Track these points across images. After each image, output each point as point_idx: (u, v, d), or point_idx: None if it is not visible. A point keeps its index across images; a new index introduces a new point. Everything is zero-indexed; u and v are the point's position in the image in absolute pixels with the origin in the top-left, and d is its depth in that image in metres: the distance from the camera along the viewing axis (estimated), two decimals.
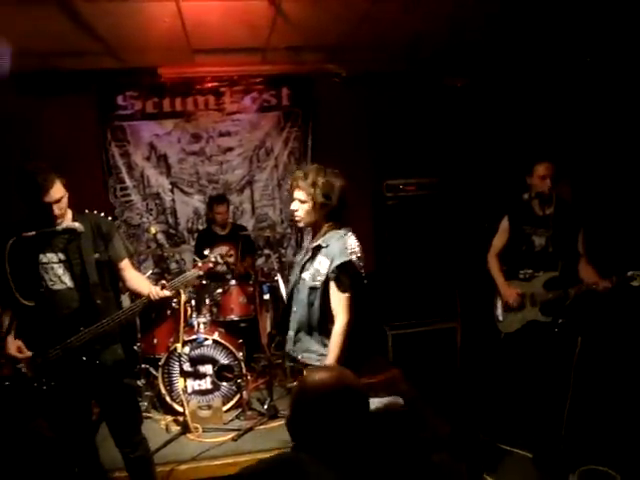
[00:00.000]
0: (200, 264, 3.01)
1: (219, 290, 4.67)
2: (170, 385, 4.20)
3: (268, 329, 5.01)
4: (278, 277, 4.65)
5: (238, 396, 4.24)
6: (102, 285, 2.83)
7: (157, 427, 4.02)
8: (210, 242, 5.04)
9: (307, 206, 2.78)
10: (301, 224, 2.88)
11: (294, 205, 2.84)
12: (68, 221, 2.77)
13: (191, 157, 5.61)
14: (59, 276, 2.76)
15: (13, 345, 2.72)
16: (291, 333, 2.96)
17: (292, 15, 3.92)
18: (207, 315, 4.41)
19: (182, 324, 4.08)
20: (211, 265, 2.97)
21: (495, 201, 5.24)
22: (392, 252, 5.51)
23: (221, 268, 4.92)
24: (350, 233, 2.84)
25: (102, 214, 2.93)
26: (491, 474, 3.53)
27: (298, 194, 2.81)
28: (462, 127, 5.59)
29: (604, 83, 4.35)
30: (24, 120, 5.05)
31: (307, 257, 2.87)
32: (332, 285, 2.74)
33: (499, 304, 3.71)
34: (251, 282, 4.78)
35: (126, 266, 2.95)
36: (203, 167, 5.64)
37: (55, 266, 2.75)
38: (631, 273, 2.98)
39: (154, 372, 4.35)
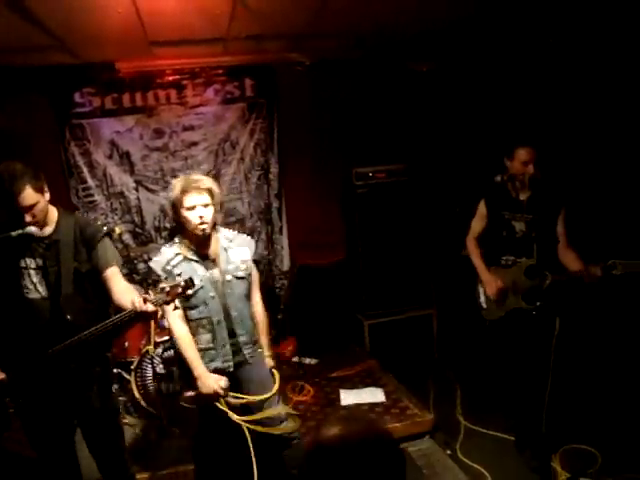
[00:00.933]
0: (168, 289, 2.52)
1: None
2: (144, 388, 4.09)
3: None
4: None
5: None
6: (82, 296, 2.64)
7: (132, 432, 3.92)
8: None
9: (212, 210, 2.83)
10: (207, 232, 2.83)
11: (202, 212, 2.78)
12: (50, 224, 2.62)
13: (155, 153, 5.44)
14: (35, 284, 2.58)
15: None
16: (244, 338, 2.93)
17: (252, 3, 3.79)
18: None
19: (153, 326, 3.96)
20: (180, 291, 2.53)
21: (466, 185, 5.26)
22: (364, 240, 5.47)
23: None
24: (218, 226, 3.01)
25: (110, 218, 2.77)
26: (474, 459, 3.54)
27: (203, 198, 2.80)
28: (429, 112, 5.56)
29: (572, 62, 4.34)
30: None
31: (220, 262, 2.89)
32: (254, 269, 3.06)
33: (481, 291, 3.61)
34: None
35: (111, 276, 2.67)
36: (167, 163, 5.48)
37: (32, 272, 2.58)
38: (612, 262, 2.89)
39: (127, 376, 4.23)
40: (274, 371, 3.05)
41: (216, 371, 2.86)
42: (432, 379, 4.75)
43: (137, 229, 5.49)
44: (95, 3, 3.53)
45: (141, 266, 5.29)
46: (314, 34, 4.62)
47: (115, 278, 2.68)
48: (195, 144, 5.53)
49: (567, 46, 4.39)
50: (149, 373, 4.05)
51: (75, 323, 2.55)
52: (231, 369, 2.90)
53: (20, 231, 2.47)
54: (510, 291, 3.39)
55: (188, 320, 2.87)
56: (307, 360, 5.16)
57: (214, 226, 2.90)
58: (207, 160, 5.58)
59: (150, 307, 2.45)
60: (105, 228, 2.82)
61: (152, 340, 3.92)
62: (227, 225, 5.47)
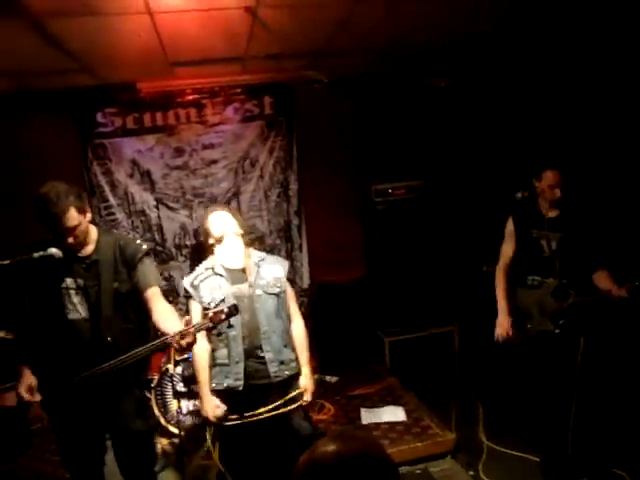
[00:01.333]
0: (211, 314, 2.52)
1: None
2: (164, 407, 4.11)
3: None
4: None
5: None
6: (122, 317, 2.64)
7: None
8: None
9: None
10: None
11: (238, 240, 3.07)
12: (91, 243, 2.64)
13: (175, 172, 5.49)
14: (75, 304, 2.59)
15: (24, 384, 2.55)
16: (270, 355, 2.91)
17: (269, 22, 3.83)
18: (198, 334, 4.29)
19: None
20: (223, 317, 2.50)
21: (486, 201, 5.22)
22: (384, 257, 5.45)
23: None
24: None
25: (131, 236, 2.79)
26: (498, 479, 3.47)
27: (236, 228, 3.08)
28: (448, 128, 5.54)
29: (595, 80, 4.29)
30: (4, 142, 4.96)
31: (250, 276, 2.97)
32: (288, 287, 3.08)
33: None
34: None
35: (152, 296, 2.64)
36: (188, 181, 5.52)
37: (72, 292, 2.58)
38: (638, 283, 2.84)
39: (147, 394, 4.23)
40: (305, 386, 2.97)
41: (228, 390, 2.86)
42: (454, 397, 4.66)
43: (158, 247, 5.53)
44: (115, 26, 3.59)
45: (162, 283, 5.30)
46: (332, 52, 4.64)
47: (155, 298, 2.65)
48: (215, 162, 5.56)
49: (590, 62, 4.35)
50: (169, 391, 4.05)
51: (115, 344, 2.55)
52: (240, 388, 2.88)
53: (42, 252, 2.48)
54: (537, 312, 3.31)
55: (211, 334, 2.90)
56: (328, 378, 5.13)
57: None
58: (227, 178, 5.61)
59: (189, 340, 2.36)
60: (145, 247, 2.78)
61: (172, 359, 3.94)
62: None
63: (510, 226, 3.51)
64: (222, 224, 3.06)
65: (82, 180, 5.30)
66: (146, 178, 5.43)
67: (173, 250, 5.56)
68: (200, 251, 5.01)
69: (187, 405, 4.09)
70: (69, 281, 2.58)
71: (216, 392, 2.91)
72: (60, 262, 2.51)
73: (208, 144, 5.52)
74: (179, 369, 4.05)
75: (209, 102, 5.44)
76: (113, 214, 5.38)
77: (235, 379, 2.88)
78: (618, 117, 4.13)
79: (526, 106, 4.98)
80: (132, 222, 5.43)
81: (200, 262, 3.13)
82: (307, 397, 2.96)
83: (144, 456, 2.87)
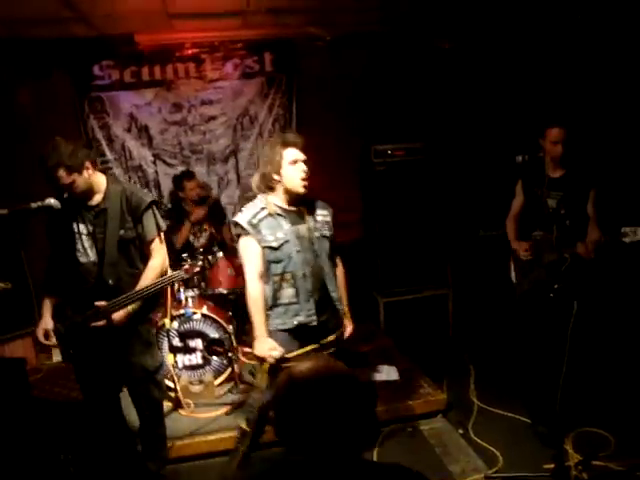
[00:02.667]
0: (187, 266, 2.95)
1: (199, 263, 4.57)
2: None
3: None
4: None
5: (229, 370, 4.21)
6: (127, 263, 2.82)
7: None
8: (183, 217, 4.94)
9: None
10: (305, 189, 2.86)
11: (305, 168, 2.84)
12: (99, 192, 2.79)
13: (173, 127, 5.43)
14: (86, 248, 2.78)
15: (41, 328, 2.83)
16: (334, 294, 2.98)
17: None
18: (195, 289, 4.32)
19: (169, 299, 3.99)
20: (197, 269, 2.94)
21: (485, 164, 5.19)
22: (381, 219, 5.43)
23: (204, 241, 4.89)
24: None
25: (139, 186, 2.93)
26: (486, 439, 3.54)
27: (303, 157, 2.86)
28: (450, 90, 5.46)
29: (600, 41, 4.23)
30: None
31: (308, 219, 2.89)
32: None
33: (512, 267, 3.73)
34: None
35: (152, 250, 2.90)
36: (186, 137, 5.46)
37: (84, 237, 2.78)
38: (624, 229, 2.91)
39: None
40: (347, 324, 3.10)
41: (300, 326, 2.86)
42: (446, 359, 4.74)
43: None
44: None
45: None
46: (333, 8, 4.55)
47: (154, 250, 2.90)
48: (213, 118, 5.50)
49: (594, 23, 4.27)
50: (165, 346, 4.09)
51: (117, 287, 2.75)
52: (314, 323, 2.87)
53: (40, 203, 2.59)
54: (535, 264, 3.48)
55: (272, 275, 2.85)
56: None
57: None
58: (225, 135, 5.56)
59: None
60: (149, 198, 2.92)
61: (169, 314, 3.96)
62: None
63: (519, 186, 3.69)
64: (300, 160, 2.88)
65: (78, 134, 5.24)
66: (144, 133, 5.38)
67: (170, 206, 5.52)
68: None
69: (183, 360, 4.14)
70: (81, 227, 2.78)
71: (281, 331, 2.88)
72: (73, 209, 2.74)
73: (207, 100, 5.44)
74: (175, 324, 4.07)
75: (208, 57, 5.34)
76: (110, 169, 5.33)
77: (307, 315, 2.86)
78: (620, 81, 4.09)
79: (527, 69, 4.91)
80: (129, 177, 5.38)
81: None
82: (349, 332, 3.09)
83: (152, 390, 3.03)
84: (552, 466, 3.00)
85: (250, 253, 2.84)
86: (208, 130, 5.51)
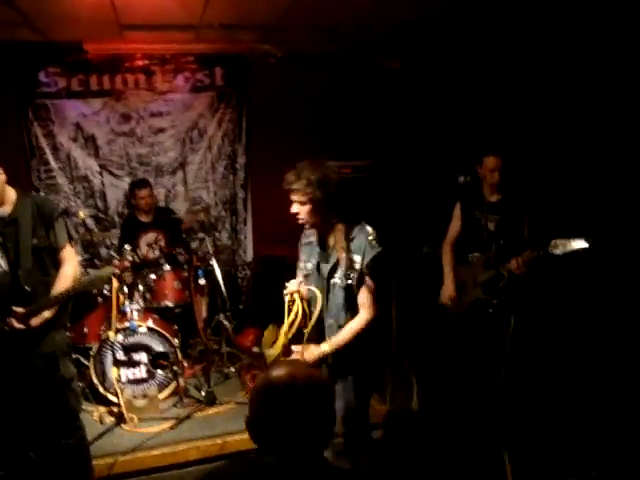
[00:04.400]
0: (117, 262, 3.00)
1: (152, 276, 4.53)
2: (103, 375, 4.06)
3: (204, 314, 4.93)
4: (213, 261, 4.56)
5: (174, 384, 4.16)
6: (40, 270, 2.81)
7: (90, 418, 3.89)
8: (135, 231, 4.89)
9: (308, 207, 2.68)
10: (308, 226, 2.81)
11: (294, 208, 2.72)
12: (9, 203, 2.76)
13: (121, 138, 5.38)
14: None
15: None
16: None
17: None
18: (140, 302, 4.26)
19: (115, 311, 3.93)
20: (127, 264, 2.99)
21: (430, 183, 5.36)
22: None
23: (153, 255, 4.81)
24: (363, 222, 2.84)
25: (47, 196, 2.91)
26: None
27: (295, 197, 2.72)
28: (399, 110, 5.63)
29: (546, 65, 4.47)
30: None
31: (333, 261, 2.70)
32: (366, 279, 2.66)
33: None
34: (185, 267, 4.68)
35: (65, 256, 2.89)
36: (134, 148, 5.42)
37: None
38: (553, 242, 3.03)
39: (85, 362, 4.18)
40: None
41: None
42: (390, 371, 4.82)
43: (100, 214, 5.42)
44: None
45: (103, 251, 5.22)
46: (287, 26, 4.63)
47: (65, 258, 2.89)
48: (162, 131, 5.49)
49: (534, 48, 4.52)
50: (109, 360, 4.01)
51: (33, 294, 2.75)
52: None
53: None
54: (471, 283, 3.62)
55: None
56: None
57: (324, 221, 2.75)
58: (174, 147, 5.55)
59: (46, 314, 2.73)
60: (61, 207, 3.03)
61: (113, 326, 3.89)
62: (192, 213, 5.51)
63: (457, 209, 3.85)
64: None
65: (21, 141, 5.11)
66: (90, 143, 5.30)
67: (116, 218, 5.46)
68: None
69: (126, 373, 4.06)
70: None
71: None
72: None
73: (156, 112, 5.43)
74: (120, 337, 4.00)
75: (159, 69, 5.34)
76: (53, 177, 5.22)
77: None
78: (559, 104, 4.33)
79: (472, 92, 5.12)
80: (74, 187, 5.29)
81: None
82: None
83: (69, 403, 2.95)
84: None
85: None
86: (157, 142, 5.48)
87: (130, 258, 3.03)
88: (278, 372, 1.51)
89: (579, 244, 2.97)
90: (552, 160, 4.40)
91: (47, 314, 2.77)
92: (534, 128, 4.56)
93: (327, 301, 2.72)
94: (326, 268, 2.72)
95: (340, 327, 2.67)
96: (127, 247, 3.12)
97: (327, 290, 2.71)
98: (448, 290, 3.79)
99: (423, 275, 5.41)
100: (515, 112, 4.71)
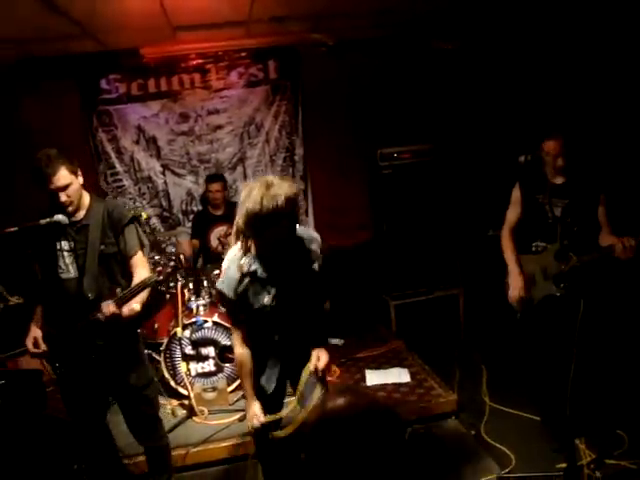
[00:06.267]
0: (160, 268, 2.97)
1: (216, 271, 4.61)
2: (173, 369, 4.20)
3: None
4: None
5: None
6: (108, 278, 2.81)
7: (163, 412, 3.98)
8: (206, 224, 5.03)
9: None
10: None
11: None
12: (83, 209, 2.80)
13: (181, 137, 5.50)
14: (67, 265, 2.78)
15: (30, 337, 2.81)
16: None
17: None
18: (205, 297, 4.38)
19: (180, 308, 4.06)
20: (169, 270, 2.89)
21: (492, 165, 5.19)
22: (390, 221, 5.45)
23: (222, 249, 4.92)
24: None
25: (120, 202, 2.93)
26: (498, 439, 3.54)
27: None
28: (455, 92, 5.47)
29: (606, 43, 4.21)
30: (5, 111, 4.99)
31: None
32: None
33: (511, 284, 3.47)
34: None
35: (134, 262, 2.85)
36: (193, 147, 5.54)
37: (66, 254, 2.78)
38: None
39: (157, 357, 4.34)
40: None
41: None
42: (458, 360, 4.74)
43: (165, 213, 5.59)
44: None
45: (169, 249, 5.37)
46: (336, 14, 4.57)
47: (137, 264, 2.86)
48: (220, 127, 5.57)
49: (593, 27, 4.26)
50: (178, 355, 4.14)
51: (97, 302, 2.72)
52: None
53: (48, 219, 2.67)
54: (541, 277, 3.33)
55: None
56: (334, 341, 5.19)
57: None
58: (232, 143, 5.62)
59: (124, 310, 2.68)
60: (132, 213, 2.96)
61: (180, 322, 4.02)
62: None
63: (517, 192, 3.45)
64: None
65: (88, 147, 5.33)
66: (152, 144, 5.46)
67: (180, 216, 5.61)
68: None
69: (196, 368, 4.18)
70: (63, 243, 2.78)
71: None
72: (57, 227, 2.73)
73: (213, 109, 5.51)
74: (187, 332, 4.12)
75: (213, 67, 5.41)
76: (120, 180, 5.43)
77: None
78: (623, 84, 4.07)
79: (532, 69, 4.90)
80: (139, 189, 5.48)
81: None
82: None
83: (142, 409, 3.01)
84: (564, 465, 2.99)
85: None
86: (215, 139, 5.57)
87: (172, 264, 3.00)
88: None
89: None
90: (620, 139, 4.13)
91: (137, 307, 2.75)
92: (598, 104, 4.30)
93: None
94: None
95: None
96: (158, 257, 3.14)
97: None
98: (517, 288, 3.37)
99: (489, 258, 5.27)
100: (577, 88, 4.46)
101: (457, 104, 5.48)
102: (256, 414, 2.58)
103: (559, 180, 3.27)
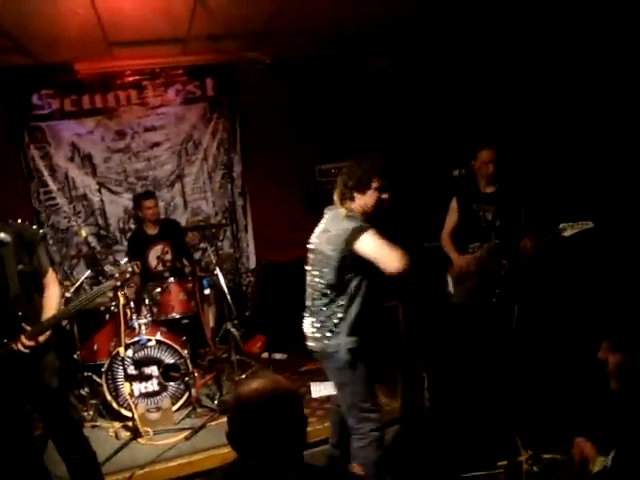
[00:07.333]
0: (117, 274, 3.06)
1: (158, 289, 4.55)
2: (115, 391, 4.09)
3: (211, 324, 4.96)
4: (217, 270, 4.59)
5: (187, 394, 4.18)
6: (26, 296, 2.83)
7: (106, 435, 3.93)
8: (143, 245, 4.93)
9: None
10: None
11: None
12: None
13: (117, 155, 5.42)
14: None
15: None
16: None
17: (212, 3, 3.84)
18: (148, 315, 4.30)
19: (123, 327, 3.96)
20: (128, 276, 3.03)
21: (425, 179, 5.39)
22: None
23: (162, 267, 4.86)
24: None
25: (26, 223, 2.93)
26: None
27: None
28: (390, 108, 5.66)
29: (534, 55, 4.51)
30: None
31: None
32: None
33: (450, 279, 3.93)
34: (190, 278, 4.70)
35: (48, 281, 2.94)
36: (130, 164, 5.46)
37: None
38: (562, 225, 3.24)
39: (97, 379, 4.22)
40: None
41: None
42: (400, 368, 4.84)
43: (102, 231, 5.47)
44: (53, 3, 3.51)
45: (108, 269, 5.25)
46: (272, 33, 4.67)
47: (50, 283, 2.95)
48: (158, 145, 5.53)
49: (525, 38, 4.55)
50: (120, 375, 4.04)
51: (25, 318, 2.76)
52: None
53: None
54: (474, 273, 3.69)
55: None
56: (277, 355, 5.21)
57: None
58: (170, 160, 5.59)
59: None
60: (41, 231, 3.06)
61: (122, 342, 3.92)
62: (193, 224, 5.55)
63: (454, 203, 3.92)
64: None
65: (18, 164, 5.15)
66: (87, 162, 5.34)
67: (117, 234, 5.50)
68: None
69: (139, 388, 4.09)
70: None
71: None
72: None
73: (150, 126, 5.47)
74: (130, 352, 4.03)
75: (150, 84, 5.39)
76: (54, 199, 5.28)
77: None
78: (550, 96, 4.37)
79: (463, 86, 5.15)
80: (74, 207, 5.34)
81: None
82: None
83: (67, 413, 2.98)
84: (505, 462, 3.14)
85: None
86: (153, 156, 5.52)
87: (130, 269, 3.07)
88: (246, 388, 1.65)
89: (586, 225, 3.13)
90: (543, 149, 4.43)
91: (48, 332, 2.82)
92: (524, 120, 4.60)
93: None
94: None
95: None
96: (124, 260, 3.18)
97: None
98: (458, 262, 3.79)
99: (426, 270, 5.44)
100: (504, 104, 4.74)
101: (391, 120, 5.67)
102: None
103: (490, 189, 3.73)
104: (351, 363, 2.85)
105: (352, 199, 2.78)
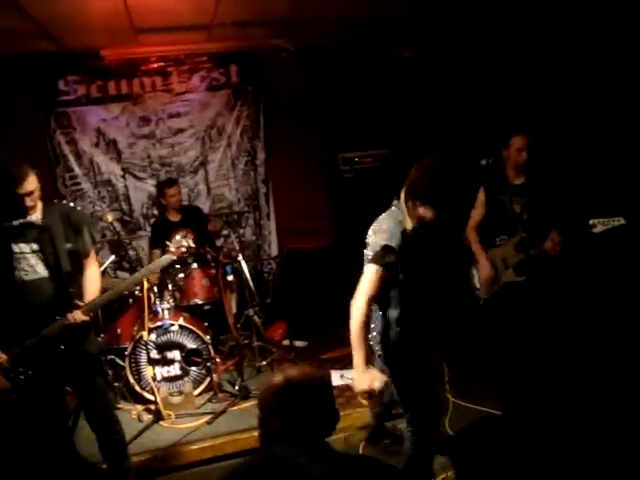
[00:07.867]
0: (173, 249, 3.12)
1: (181, 275, 4.59)
2: (138, 374, 4.15)
3: (234, 310, 4.99)
4: (240, 257, 4.61)
5: (208, 379, 4.23)
6: (75, 273, 2.91)
7: (129, 417, 3.98)
8: (166, 232, 4.93)
9: None
10: None
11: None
12: (39, 212, 2.81)
13: (141, 141, 5.45)
14: (32, 266, 2.79)
15: None
16: None
17: None
18: (171, 301, 4.34)
19: (147, 311, 4.01)
20: (184, 249, 3.11)
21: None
22: (351, 225, 5.52)
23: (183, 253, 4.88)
24: None
25: (71, 204, 3.01)
26: (460, 433, 3.64)
27: None
28: (416, 97, 5.60)
29: (559, 45, 4.42)
30: None
31: None
32: None
33: (475, 273, 3.87)
34: (213, 264, 4.73)
35: (90, 261, 3.02)
36: (154, 150, 5.49)
37: (28, 256, 2.78)
38: (592, 221, 3.16)
39: (120, 362, 4.29)
40: None
41: None
42: None
43: (125, 217, 5.52)
44: None
45: (131, 253, 5.30)
46: (298, 20, 4.64)
47: (91, 264, 3.03)
48: (182, 131, 5.54)
49: (554, 30, 4.46)
50: (143, 359, 4.09)
51: (76, 296, 2.86)
52: None
53: (22, 220, 2.69)
54: (501, 266, 3.64)
55: None
56: (297, 343, 5.24)
57: None
58: (194, 147, 5.61)
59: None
60: (86, 214, 3.04)
61: (146, 326, 3.97)
62: (216, 211, 5.58)
63: (482, 195, 3.83)
64: None
65: (45, 149, 5.21)
66: (112, 147, 5.39)
67: (141, 220, 5.55)
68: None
69: (161, 372, 4.14)
70: (22, 246, 2.78)
71: None
72: (10, 230, 2.74)
73: (174, 113, 5.49)
74: (153, 336, 4.08)
75: (175, 70, 5.40)
76: (79, 184, 5.34)
77: None
78: (581, 87, 4.28)
79: (490, 75, 5.08)
80: (99, 192, 5.40)
81: None
82: None
83: (99, 383, 3.06)
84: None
85: None
86: (176, 143, 5.55)
87: (185, 244, 3.12)
88: (275, 377, 1.76)
89: (617, 221, 3.09)
90: (574, 141, 4.34)
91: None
92: (555, 110, 4.51)
93: None
94: None
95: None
96: (178, 236, 3.16)
97: None
98: (485, 270, 3.73)
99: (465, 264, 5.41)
100: (533, 94, 4.66)
101: (417, 109, 5.61)
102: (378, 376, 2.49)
103: (519, 181, 3.63)
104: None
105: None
